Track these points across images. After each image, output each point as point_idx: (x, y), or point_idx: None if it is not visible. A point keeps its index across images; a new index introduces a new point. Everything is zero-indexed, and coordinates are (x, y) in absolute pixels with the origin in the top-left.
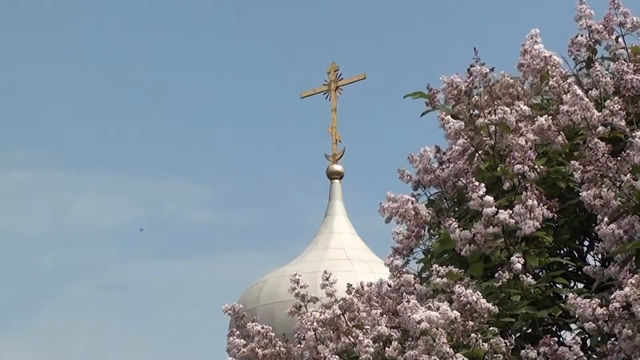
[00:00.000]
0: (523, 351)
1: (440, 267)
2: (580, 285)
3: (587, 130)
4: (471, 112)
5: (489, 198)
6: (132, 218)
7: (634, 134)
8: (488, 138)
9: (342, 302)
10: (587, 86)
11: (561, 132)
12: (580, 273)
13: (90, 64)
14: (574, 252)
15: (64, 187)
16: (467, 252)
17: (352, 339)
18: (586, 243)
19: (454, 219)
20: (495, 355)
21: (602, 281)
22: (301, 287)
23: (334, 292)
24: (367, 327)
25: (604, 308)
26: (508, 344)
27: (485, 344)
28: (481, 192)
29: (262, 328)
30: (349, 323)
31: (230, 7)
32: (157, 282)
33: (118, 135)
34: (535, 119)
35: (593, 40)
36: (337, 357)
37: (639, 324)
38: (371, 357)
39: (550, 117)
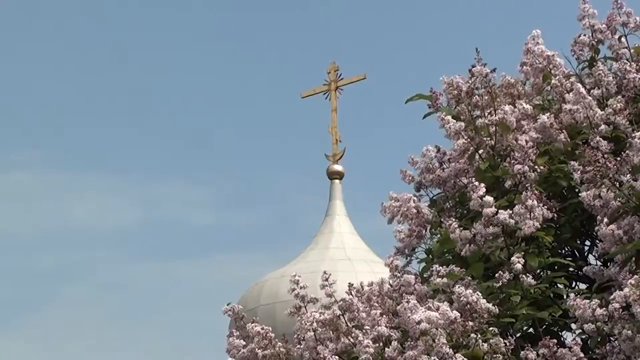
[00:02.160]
0: (522, 352)
1: (440, 267)
2: (582, 286)
3: (590, 128)
4: (472, 112)
5: (489, 198)
6: (132, 218)
7: (633, 135)
8: (488, 138)
9: (341, 302)
10: (590, 85)
11: (563, 131)
12: (581, 273)
13: (90, 63)
14: (576, 252)
15: (64, 187)
16: (467, 252)
17: (351, 340)
18: (588, 243)
19: (454, 219)
20: (494, 356)
21: (602, 282)
22: (301, 287)
23: (333, 293)
24: (367, 327)
25: (604, 309)
26: (508, 344)
27: (485, 345)
28: (481, 192)
29: (262, 329)
30: (348, 323)
31: (231, 7)
32: (156, 282)
33: (118, 135)
34: (538, 117)
35: (596, 40)
36: (336, 357)
37: (639, 325)
38: (371, 358)
39: (552, 115)
